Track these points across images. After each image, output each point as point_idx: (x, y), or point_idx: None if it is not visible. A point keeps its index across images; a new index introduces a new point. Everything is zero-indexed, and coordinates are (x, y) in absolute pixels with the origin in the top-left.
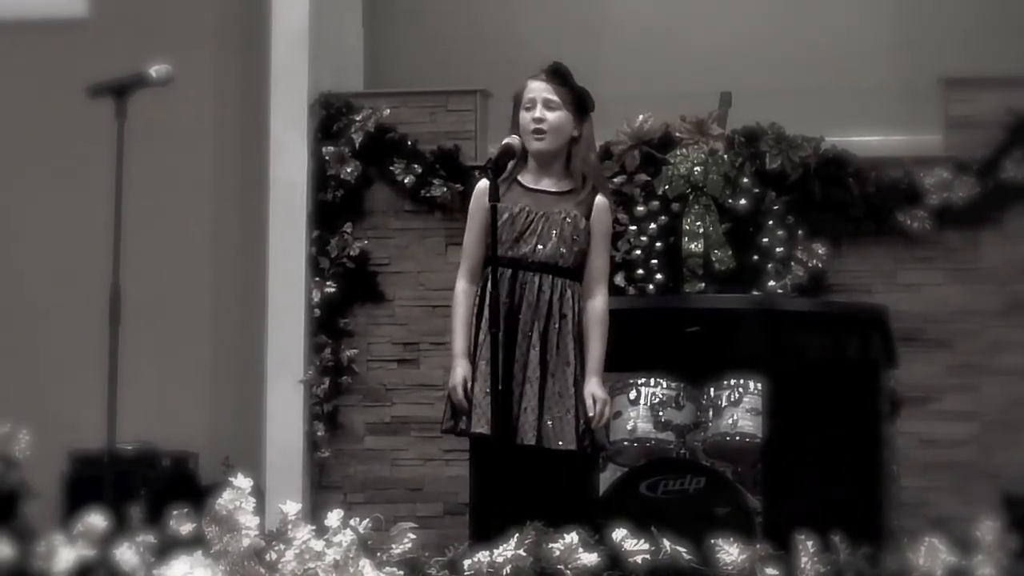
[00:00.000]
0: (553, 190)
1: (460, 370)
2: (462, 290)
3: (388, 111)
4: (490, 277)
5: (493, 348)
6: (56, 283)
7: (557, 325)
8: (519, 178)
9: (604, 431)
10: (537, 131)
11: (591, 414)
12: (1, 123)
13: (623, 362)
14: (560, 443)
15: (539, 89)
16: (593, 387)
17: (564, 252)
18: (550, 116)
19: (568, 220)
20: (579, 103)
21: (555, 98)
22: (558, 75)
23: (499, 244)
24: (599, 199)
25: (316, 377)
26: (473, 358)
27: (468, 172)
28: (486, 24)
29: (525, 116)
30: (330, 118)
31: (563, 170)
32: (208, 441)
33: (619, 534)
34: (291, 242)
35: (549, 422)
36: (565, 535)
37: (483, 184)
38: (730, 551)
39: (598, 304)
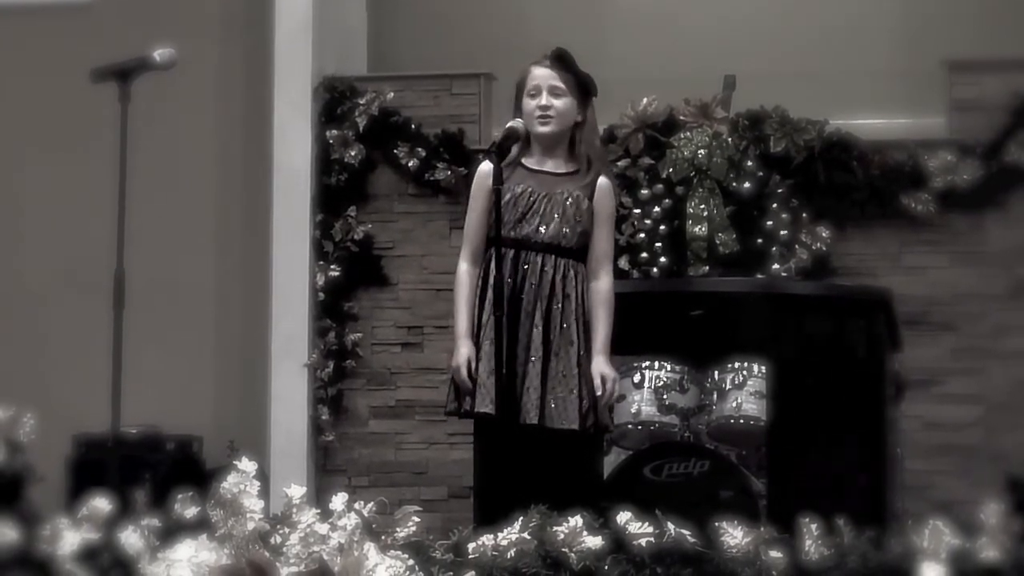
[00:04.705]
0: (557, 171)
1: (464, 350)
2: (464, 271)
3: (392, 94)
4: (494, 258)
5: (497, 330)
6: (60, 267)
7: (560, 305)
8: (523, 160)
9: (608, 412)
10: (543, 117)
11: (599, 392)
12: (5, 107)
13: (627, 345)
14: (563, 423)
15: (544, 76)
16: (601, 365)
17: (567, 232)
18: (556, 103)
19: (570, 200)
20: (583, 88)
21: (560, 84)
22: (562, 61)
23: (502, 225)
24: (602, 180)
25: (320, 361)
26: (477, 338)
27: (472, 156)
28: (490, 7)
29: (530, 103)
30: (334, 102)
31: (567, 153)
32: (212, 425)
33: (623, 517)
34: (295, 226)
35: (552, 402)
36: (569, 518)
37: (485, 166)
38: (734, 534)
39: (603, 285)
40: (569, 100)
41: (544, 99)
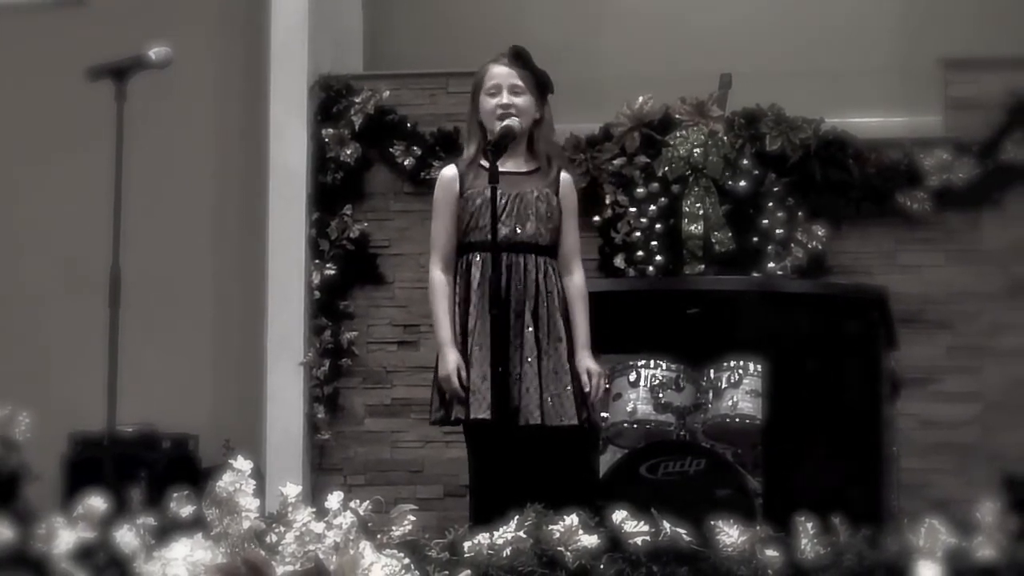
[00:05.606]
0: (519, 170)
1: (452, 357)
2: (438, 279)
3: (388, 93)
4: (475, 262)
5: (494, 330)
6: (56, 265)
7: (545, 303)
8: (481, 162)
9: (597, 407)
10: (504, 116)
11: (587, 389)
12: (1, 105)
13: (623, 344)
14: (561, 419)
15: (503, 75)
16: (586, 361)
17: (542, 230)
18: (517, 101)
19: (541, 199)
20: (541, 86)
21: (519, 83)
22: (520, 59)
23: (476, 229)
24: (564, 176)
25: (316, 359)
26: (464, 345)
27: None
28: (486, 6)
29: (490, 101)
30: (330, 100)
31: (526, 152)
32: (208, 423)
33: (619, 516)
34: (291, 224)
35: (549, 400)
36: (565, 517)
37: (449, 171)
38: (730, 533)
39: (577, 279)
40: (528, 98)
41: (505, 98)
